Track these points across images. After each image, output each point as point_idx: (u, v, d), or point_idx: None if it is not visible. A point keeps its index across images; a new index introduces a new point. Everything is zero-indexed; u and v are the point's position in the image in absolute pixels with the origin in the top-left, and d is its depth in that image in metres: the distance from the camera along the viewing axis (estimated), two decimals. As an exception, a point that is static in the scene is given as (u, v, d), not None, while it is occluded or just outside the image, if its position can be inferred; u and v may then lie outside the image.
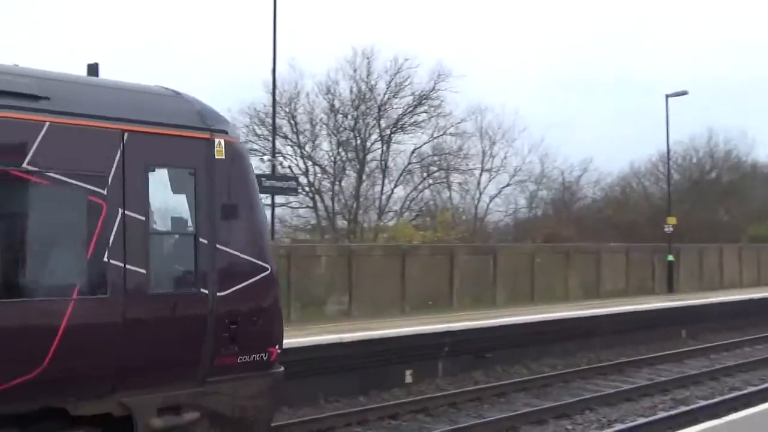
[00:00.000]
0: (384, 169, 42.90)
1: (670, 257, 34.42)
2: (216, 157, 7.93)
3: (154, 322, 7.42)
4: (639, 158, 61.69)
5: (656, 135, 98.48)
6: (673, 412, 13.43)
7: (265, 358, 8.23)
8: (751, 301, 28.72)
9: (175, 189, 7.87)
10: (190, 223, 7.86)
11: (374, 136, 43.06)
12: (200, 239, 7.75)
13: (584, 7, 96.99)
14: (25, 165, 6.72)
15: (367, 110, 41.62)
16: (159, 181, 7.62)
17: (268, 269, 8.28)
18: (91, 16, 68.23)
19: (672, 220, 35.48)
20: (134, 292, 7.26)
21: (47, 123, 6.88)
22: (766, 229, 52.38)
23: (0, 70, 7.11)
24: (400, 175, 43.89)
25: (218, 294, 7.79)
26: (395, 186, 43.94)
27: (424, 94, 42.94)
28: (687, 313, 25.20)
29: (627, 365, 18.74)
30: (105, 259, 7.08)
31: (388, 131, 43.10)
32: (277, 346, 8.38)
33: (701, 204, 55.89)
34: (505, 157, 48.03)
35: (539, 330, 19.79)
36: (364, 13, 72.24)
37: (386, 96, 42.69)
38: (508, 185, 48.76)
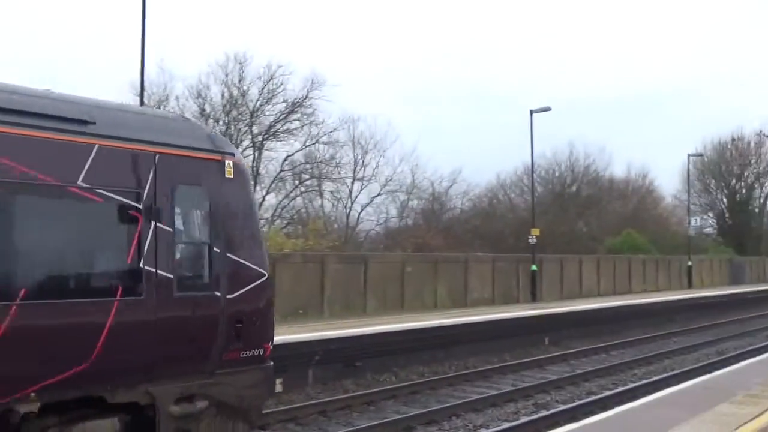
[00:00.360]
0: (256, 176, 42.54)
1: (534, 267, 35.70)
2: (225, 176, 9.16)
3: (177, 321, 8.51)
4: (505, 170, 63.84)
5: (521, 148, 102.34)
6: (534, 417, 13.89)
7: (261, 354, 9.37)
8: (607, 309, 30.14)
9: (193, 204, 9.01)
10: (205, 234, 9.01)
11: (246, 143, 42.68)
12: (213, 248, 8.91)
13: (450, 22, 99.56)
14: (79, 182, 7.76)
15: (239, 116, 41.17)
16: (180, 197, 8.72)
17: (266, 275, 9.49)
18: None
19: (536, 231, 36.79)
20: (163, 294, 8.37)
21: (96, 145, 7.94)
22: (621, 242, 55.19)
23: (58, 99, 8.21)
24: (272, 182, 43.65)
25: (228, 296, 8.94)
26: (267, 193, 43.68)
27: (297, 102, 43.00)
28: (549, 321, 26.17)
29: (492, 372, 19.26)
30: (141, 265, 8.18)
31: (260, 138, 42.82)
32: (270, 343, 9.53)
33: (563, 216, 58.30)
34: (377, 167, 48.66)
35: (408, 338, 20.07)
36: (238, 17, 71.46)
37: (259, 102, 42.47)
38: (379, 194, 49.41)
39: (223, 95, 42.13)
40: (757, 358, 17.60)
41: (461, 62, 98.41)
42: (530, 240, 36.47)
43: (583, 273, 40.19)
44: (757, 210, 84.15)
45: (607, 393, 16.24)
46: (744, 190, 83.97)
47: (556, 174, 63.73)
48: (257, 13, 73.61)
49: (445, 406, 14.83)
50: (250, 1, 72.17)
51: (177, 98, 41.04)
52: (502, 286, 33.76)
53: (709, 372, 16.40)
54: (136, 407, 8.32)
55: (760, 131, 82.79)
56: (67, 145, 7.75)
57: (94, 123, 8.05)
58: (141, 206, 8.25)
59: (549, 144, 76.64)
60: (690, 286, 51.45)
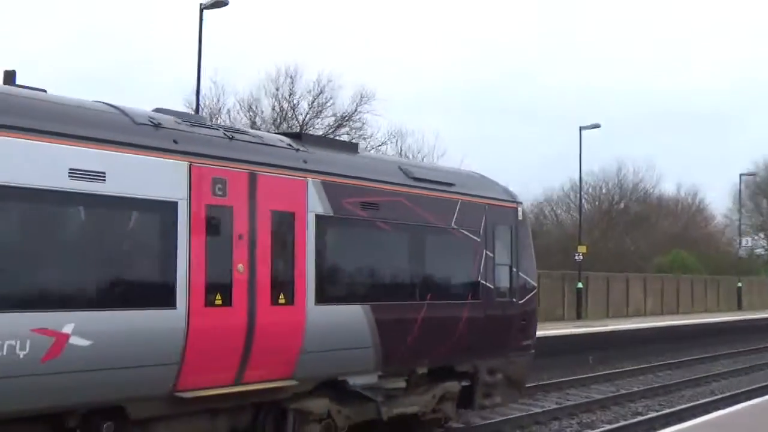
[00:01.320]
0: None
1: (580, 284, 35.45)
2: (519, 218, 13.45)
3: (495, 318, 12.54)
4: (551, 186, 63.52)
5: (568, 164, 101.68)
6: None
7: (531, 343, 13.52)
8: (653, 329, 29.81)
9: (503, 238, 12.95)
10: (508, 258, 12.98)
11: (295, 156, 42.96)
12: (513, 268, 13.00)
13: (499, 36, 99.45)
14: (452, 224, 11.98)
15: (289, 129, 41.57)
16: (498, 233, 12.82)
17: (536, 287, 13.95)
18: None
19: (582, 248, 36.55)
20: (490, 298, 12.54)
21: (459, 200, 12.17)
22: (670, 261, 54.49)
23: (433, 168, 13.87)
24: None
25: (519, 302, 13.11)
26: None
27: (346, 116, 43.26)
28: (595, 340, 25.97)
29: (536, 389, 19.20)
30: (479, 279, 12.39)
31: (309, 151, 43.12)
32: (534, 336, 13.71)
33: (610, 233, 57.76)
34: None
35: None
36: (289, 31, 72.43)
37: (308, 116, 42.84)
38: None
39: (273, 108, 42.69)
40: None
41: (510, 76, 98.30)
42: (576, 257, 36.24)
43: (630, 291, 39.80)
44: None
45: (653, 414, 16.12)
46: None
47: (604, 191, 63.21)
48: (308, 27, 74.56)
49: (487, 422, 14.87)
50: (302, 15, 73.16)
51: (228, 111, 41.68)
52: (547, 302, 33.56)
53: (759, 396, 16.18)
54: (465, 375, 12.43)
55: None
56: (446, 200, 12.01)
57: (455, 185, 12.38)
58: (479, 239, 12.44)
59: (597, 160, 76.17)
60: (740, 307, 50.55)
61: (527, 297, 13.26)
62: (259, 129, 41.84)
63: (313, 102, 42.66)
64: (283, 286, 9.64)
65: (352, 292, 10.72)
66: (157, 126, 8.74)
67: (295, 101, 42.67)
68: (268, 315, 9.39)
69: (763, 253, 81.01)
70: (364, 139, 43.32)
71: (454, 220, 11.94)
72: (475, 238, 12.30)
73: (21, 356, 7.18)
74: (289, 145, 10.39)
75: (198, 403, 8.86)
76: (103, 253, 8.03)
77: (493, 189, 13.24)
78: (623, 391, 19.30)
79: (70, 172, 7.66)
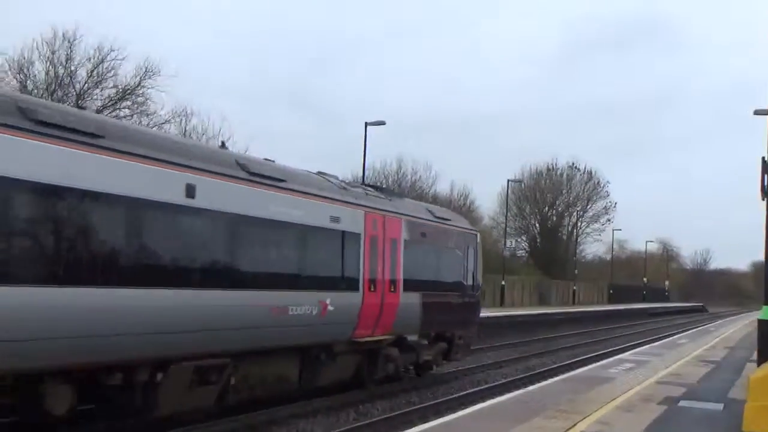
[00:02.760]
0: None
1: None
2: (477, 241, 21.15)
3: (468, 304, 20.48)
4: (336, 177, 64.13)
5: (353, 158, 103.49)
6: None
7: (477, 321, 22.29)
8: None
9: (471, 254, 20.45)
10: (473, 267, 20.47)
11: (70, 126, 40.25)
12: (474, 273, 20.51)
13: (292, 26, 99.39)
14: (449, 245, 19.44)
15: (65, 96, 38.81)
16: (469, 251, 20.35)
17: (480, 286, 21.66)
18: None
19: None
20: (465, 291, 20.20)
21: (453, 229, 19.76)
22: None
23: (442, 210, 21.62)
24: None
25: (476, 294, 21.12)
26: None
27: (128, 89, 41.16)
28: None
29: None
30: (462, 280, 20.01)
31: (85, 123, 40.54)
32: (479, 316, 22.53)
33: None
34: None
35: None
36: (69, -5, 67.73)
37: (87, 85, 40.29)
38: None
39: (47, 73, 39.69)
40: (562, 376, 18.64)
41: (303, 71, 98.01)
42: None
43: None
44: (564, 237, 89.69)
45: (427, 403, 16.59)
46: (555, 218, 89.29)
47: (384, 186, 65.04)
48: (90, -8, 70.15)
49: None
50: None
51: (-6, 71, 38.18)
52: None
53: (524, 387, 17.18)
54: (447, 338, 19.88)
55: (573, 163, 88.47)
56: (450, 230, 19.61)
57: (450, 219, 20.03)
58: (462, 255, 19.94)
59: (379, 157, 78.25)
60: (502, 304, 53.91)
61: (478, 293, 21.21)
62: (31, 94, 38.81)
63: (92, 71, 40.19)
64: (394, 282, 16.61)
65: (415, 285, 17.40)
66: (347, 188, 15.87)
67: (73, 68, 39.96)
68: (387, 297, 16.31)
69: (523, 254, 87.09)
70: (147, 115, 41.44)
71: (450, 242, 19.40)
72: (461, 254, 19.96)
73: (314, 313, 13.82)
74: (387, 197, 17.66)
75: (359, 345, 15.85)
76: (335, 262, 14.74)
77: (465, 222, 22.02)
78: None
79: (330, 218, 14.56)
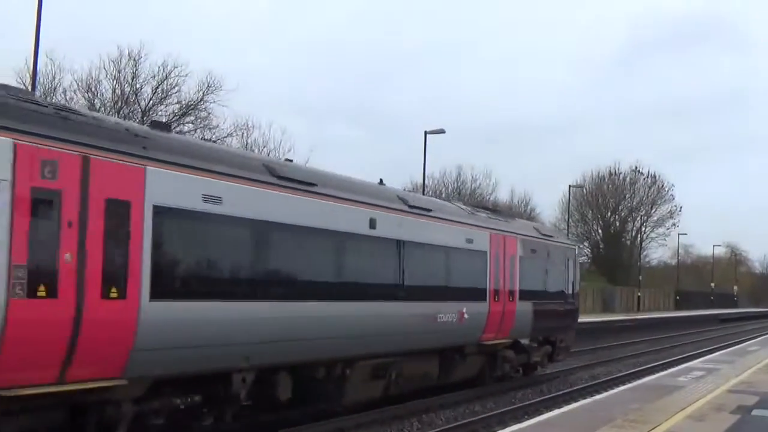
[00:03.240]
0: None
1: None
2: (576, 253, 24.67)
3: (569, 312, 23.28)
4: (394, 185, 64.28)
5: (411, 166, 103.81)
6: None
7: (575, 325, 25.13)
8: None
9: (573, 266, 23.22)
10: (572, 277, 23.22)
11: (136, 142, 41.13)
12: (573, 283, 23.48)
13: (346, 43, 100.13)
14: (551, 258, 21.84)
15: (131, 114, 39.77)
16: (571, 264, 23.35)
17: (578, 292, 24.66)
18: None
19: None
20: (564, 299, 22.59)
21: (552, 244, 22.19)
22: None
23: (548, 233, 23.94)
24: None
25: (573, 302, 23.68)
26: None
27: (191, 104, 41.97)
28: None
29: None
30: (565, 289, 22.79)
31: (151, 138, 41.42)
32: (577, 321, 25.43)
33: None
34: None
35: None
36: (133, 12, 69.55)
37: (152, 102, 41.22)
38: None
39: (114, 91, 40.72)
40: (629, 385, 18.40)
41: (360, 83, 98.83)
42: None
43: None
44: (628, 243, 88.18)
45: (492, 413, 16.53)
46: (618, 223, 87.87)
47: (443, 195, 64.91)
48: (153, 8, 71.90)
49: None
50: (147, -3, 70.47)
51: (65, 91, 39.36)
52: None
53: (591, 396, 17.01)
54: (551, 342, 22.04)
55: (635, 167, 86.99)
56: (551, 244, 21.94)
57: (553, 236, 22.94)
58: (564, 266, 22.51)
59: (438, 166, 78.24)
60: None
61: (577, 299, 23.73)
62: (99, 112, 39.89)
63: (157, 88, 41.11)
64: (512, 293, 19.19)
65: (528, 295, 19.81)
66: (474, 213, 19.30)
67: (138, 85, 40.92)
68: (507, 306, 18.92)
69: (585, 260, 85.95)
70: (209, 129, 42.20)
71: (550, 256, 21.91)
72: (562, 266, 22.52)
73: (454, 320, 16.49)
74: (504, 218, 20.61)
75: (484, 347, 18.54)
76: (469, 276, 17.62)
77: (565, 237, 23.80)
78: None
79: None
